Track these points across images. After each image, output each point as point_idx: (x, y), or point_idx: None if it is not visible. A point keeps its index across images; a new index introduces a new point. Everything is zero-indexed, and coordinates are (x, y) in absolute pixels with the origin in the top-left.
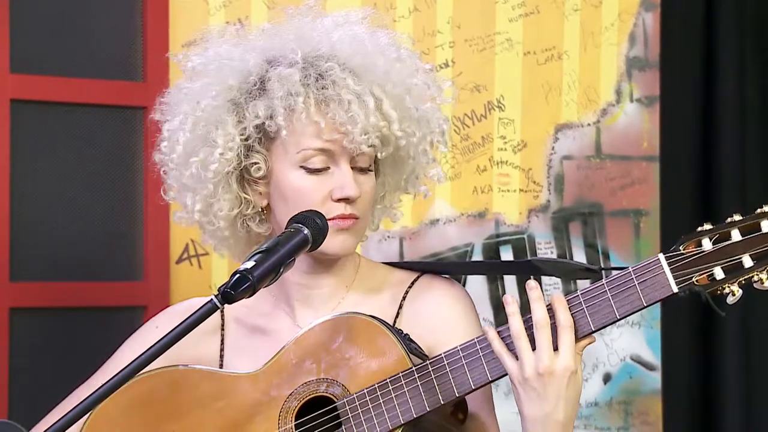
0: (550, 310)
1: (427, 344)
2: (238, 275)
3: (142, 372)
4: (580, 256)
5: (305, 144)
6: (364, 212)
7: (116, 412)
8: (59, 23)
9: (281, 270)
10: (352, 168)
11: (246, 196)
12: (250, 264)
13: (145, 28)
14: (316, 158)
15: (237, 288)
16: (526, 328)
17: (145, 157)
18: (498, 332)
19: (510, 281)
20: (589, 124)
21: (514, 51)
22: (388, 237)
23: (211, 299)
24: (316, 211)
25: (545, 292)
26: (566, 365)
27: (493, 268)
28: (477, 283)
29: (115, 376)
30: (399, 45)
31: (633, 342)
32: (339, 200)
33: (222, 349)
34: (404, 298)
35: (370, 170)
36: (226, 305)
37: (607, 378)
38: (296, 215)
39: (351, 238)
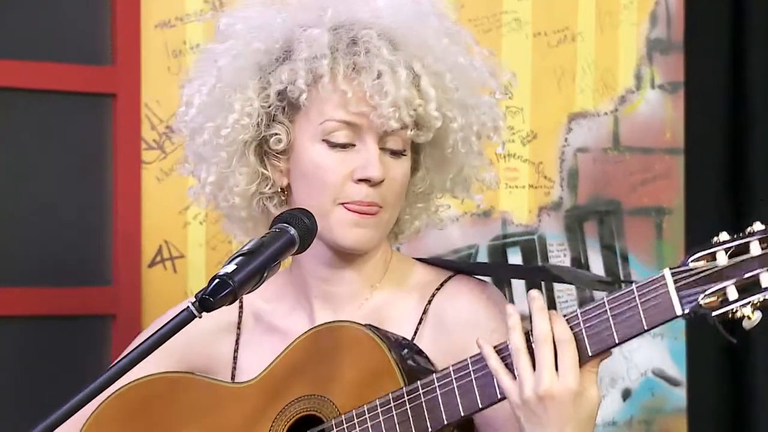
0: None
1: (452, 350)
2: (217, 280)
3: (137, 378)
4: (596, 259)
5: (329, 114)
6: (389, 203)
7: (109, 420)
8: (20, 3)
9: (265, 274)
10: (381, 149)
11: (264, 171)
12: (230, 268)
13: (114, 6)
14: (340, 132)
15: (216, 294)
16: (528, 345)
17: (115, 148)
18: (496, 348)
19: (518, 284)
20: (606, 113)
21: (522, 32)
22: None
23: (188, 307)
24: (303, 209)
25: (559, 300)
26: (568, 387)
27: (501, 271)
28: None
29: (101, 376)
30: (450, 19)
31: (655, 355)
32: (360, 181)
33: (236, 349)
34: (430, 301)
35: (404, 155)
36: (244, 299)
37: (626, 394)
38: (282, 214)
39: (370, 232)
